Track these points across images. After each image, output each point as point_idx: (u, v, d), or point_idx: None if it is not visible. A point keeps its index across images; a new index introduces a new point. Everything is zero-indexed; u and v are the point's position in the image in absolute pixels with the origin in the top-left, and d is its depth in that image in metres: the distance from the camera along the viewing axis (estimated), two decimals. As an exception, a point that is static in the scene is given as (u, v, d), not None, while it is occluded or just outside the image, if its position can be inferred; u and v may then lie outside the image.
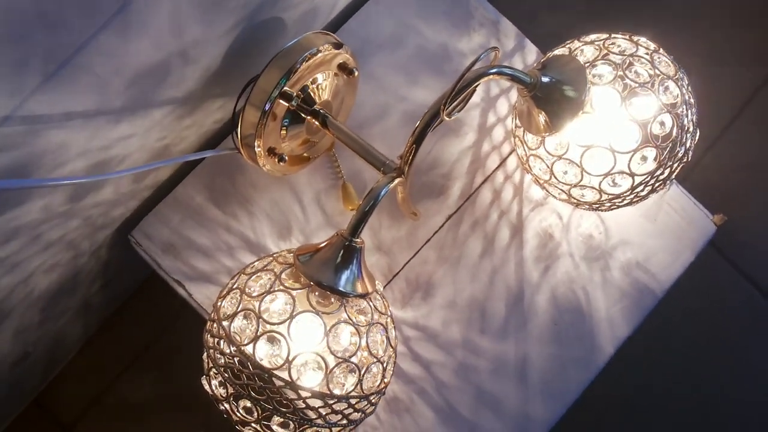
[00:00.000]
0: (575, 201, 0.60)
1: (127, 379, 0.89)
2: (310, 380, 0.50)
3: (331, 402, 0.50)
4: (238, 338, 0.50)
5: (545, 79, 0.54)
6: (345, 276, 0.52)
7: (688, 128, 0.55)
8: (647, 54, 0.55)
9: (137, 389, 0.89)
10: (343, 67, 0.59)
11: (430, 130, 0.53)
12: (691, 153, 0.58)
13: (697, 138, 0.59)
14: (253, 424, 0.51)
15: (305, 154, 0.64)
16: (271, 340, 0.50)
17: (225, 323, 0.51)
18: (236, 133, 0.57)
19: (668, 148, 0.55)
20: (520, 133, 0.60)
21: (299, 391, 0.49)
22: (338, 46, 0.57)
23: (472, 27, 0.70)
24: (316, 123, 0.58)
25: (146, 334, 0.89)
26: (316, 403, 0.49)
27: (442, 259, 0.68)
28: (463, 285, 0.67)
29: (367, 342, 0.52)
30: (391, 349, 0.55)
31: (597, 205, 0.59)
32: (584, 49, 0.56)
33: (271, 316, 0.50)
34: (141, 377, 0.89)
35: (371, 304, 0.53)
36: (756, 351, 1.07)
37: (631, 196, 0.58)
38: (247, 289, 0.52)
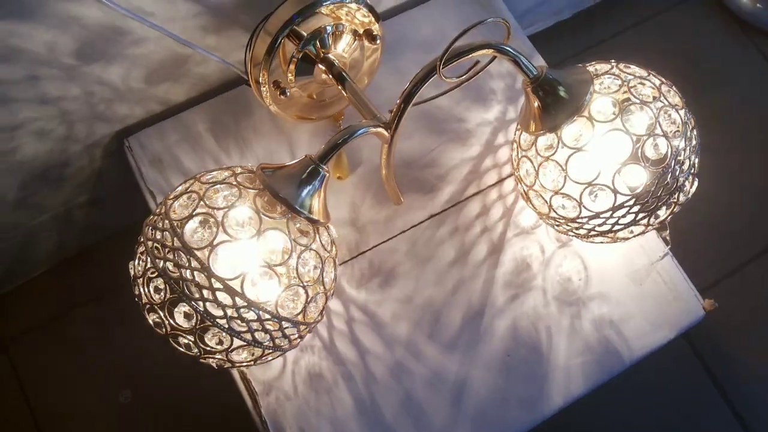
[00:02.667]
0: (554, 217, 0.58)
1: (78, 315, 0.87)
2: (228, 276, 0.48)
3: (240, 305, 0.47)
4: (174, 215, 0.49)
5: (550, 76, 0.55)
6: (301, 196, 0.51)
7: (683, 163, 0.54)
8: (657, 81, 0.55)
9: (84, 328, 0.87)
10: (367, 33, 0.61)
11: (422, 86, 0.53)
12: (684, 197, 0.56)
13: (694, 187, 0.57)
14: (158, 308, 0.49)
15: (312, 114, 0.66)
16: (204, 224, 0.49)
17: (169, 201, 0.51)
18: (248, 54, 0.59)
19: (659, 175, 0.53)
20: (517, 135, 0.59)
21: (211, 279, 0.47)
22: (369, 9, 0.60)
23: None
24: (323, 69, 0.60)
25: (113, 279, 0.88)
26: (226, 300, 0.47)
27: (412, 254, 0.65)
28: (425, 285, 0.64)
29: (297, 262, 0.50)
30: (323, 288, 0.52)
31: (576, 227, 0.57)
32: (597, 66, 0.57)
33: (212, 202, 0.49)
34: (91, 319, 0.87)
35: (317, 234, 0.52)
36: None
37: (612, 222, 0.55)
38: (200, 179, 0.52)
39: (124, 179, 0.71)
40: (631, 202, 0.54)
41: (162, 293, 0.49)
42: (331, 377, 0.61)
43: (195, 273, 0.47)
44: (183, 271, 0.47)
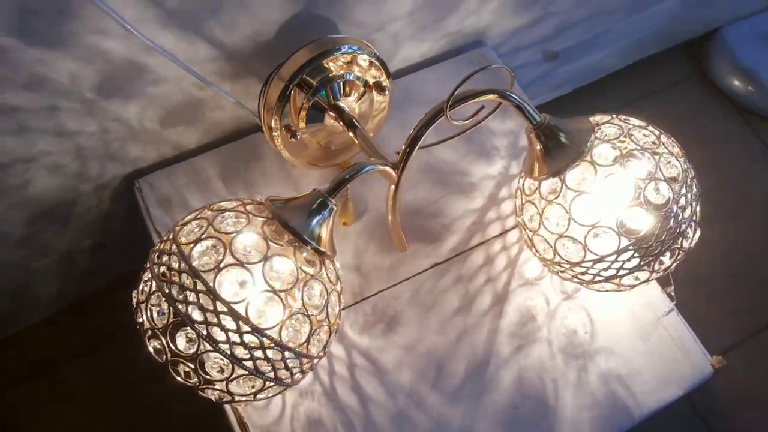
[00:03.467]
0: (559, 262, 0.58)
1: (74, 364, 0.85)
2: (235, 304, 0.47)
3: (244, 329, 0.46)
4: (182, 239, 0.49)
5: (552, 123, 0.56)
6: (310, 225, 0.51)
7: (685, 208, 0.54)
8: (657, 132, 0.56)
9: (78, 377, 0.84)
10: (377, 84, 0.64)
11: (429, 127, 0.55)
12: (687, 244, 0.56)
13: (697, 235, 0.57)
14: (160, 333, 0.48)
15: (321, 161, 0.67)
16: (213, 248, 0.49)
17: (177, 228, 0.51)
18: (262, 98, 0.61)
19: (662, 219, 0.54)
20: (521, 183, 0.60)
21: (216, 302, 0.46)
22: (380, 62, 0.63)
23: (507, 113, 0.75)
24: (333, 116, 0.62)
25: (110, 327, 0.86)
26: (229, 324, 0.46)
27: (416, 302, 0.65)
28: (429, 333, 0.63)
29: (303, 290, 0.49)
30: (327, 321, 0.52)
31: (580, 272, 0.57)
32: (598, 117, 0.58)
33: (220, 228, 0.49)
34: (86, 368, 0.85)
35: (323, 267, 0.52)
36: None
37: (617, 267, 0.55)
38: (210, 207, 0.52)
39: (130, 225, 0.72)
40: (634, 246, 0.54)
41: (165, 317, 0.48)
42: (331, 425, 0.59)
43: (200, 295, 0.47)
44: (188, 293, 0.47)
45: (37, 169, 0.62)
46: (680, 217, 0.54)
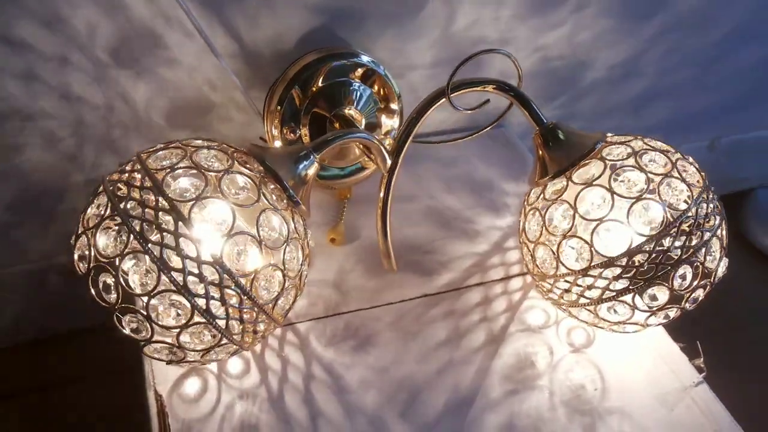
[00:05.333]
0: (563, 275, 0.50)
1: (14, 406, 0.74)
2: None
3: (203, 259, 0.40)
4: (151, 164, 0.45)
5: (560, 127, 0.53)
6: (287, 169, 0.47)
7: (708, 217, 0.48)
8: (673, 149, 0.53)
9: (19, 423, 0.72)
10: (386, 107, 0.63)
11: (429, 109, 0.53)
12: (711, 261, 0.49)
13: (723, 264, 0.50)
14: (109, 266, 0.42)
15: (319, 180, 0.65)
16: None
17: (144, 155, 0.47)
18: (266, 105, 0.61)
19: (680, 215, 0.47)
20: (526, 197, 0.56)
21: (178, 223, 0.40)
22: (390, 81, 0.63)
23: (521, 179, 0.72)
24: (336, 125, 0.60)
25: (64, 373, 0.76)
26: (190, 251, 0.40)
27: (397, 327, 0.56)
28: (406, 360, 0.54)
29: (284, 248, 0.44)
30: (298, 281, 0.45)
31: (589, 284, 0.49)
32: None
33: (199, 161, 0.45)
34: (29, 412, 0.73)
35: (293, 216, 0.46)
36: None
37: (629, 276, 0.48)
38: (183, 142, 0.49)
39: None
40: (650, 246, 0.47)
41: (118, 244, 0.42)
42: (268, 433, 0.48)
43: (160, 214, 0.41)
44: (147, 212, 0.41)
45: (32, 133, 0.61)
46: (702, 224, 0.48)
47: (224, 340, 0.43)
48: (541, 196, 0.53)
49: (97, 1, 0.54)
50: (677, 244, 0.47)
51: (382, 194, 0.55)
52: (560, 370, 0.55)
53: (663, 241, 0.47)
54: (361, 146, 0.58)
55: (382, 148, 0.53)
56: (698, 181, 0.49)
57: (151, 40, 0.58)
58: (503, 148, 0.77)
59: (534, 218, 0.53)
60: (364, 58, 0.62)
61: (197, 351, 0.44)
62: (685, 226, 0.48)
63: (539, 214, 0.52)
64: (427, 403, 0.51)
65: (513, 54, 0.54)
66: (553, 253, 0.51)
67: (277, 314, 0.46)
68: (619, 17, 0.74)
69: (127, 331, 0.43)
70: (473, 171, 0.73)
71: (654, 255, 0.47)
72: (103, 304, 0.42)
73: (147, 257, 0.40)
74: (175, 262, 0.40)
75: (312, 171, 0.49)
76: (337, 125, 0.61)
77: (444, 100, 0.53)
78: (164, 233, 0.40)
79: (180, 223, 0.40)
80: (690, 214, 0.47)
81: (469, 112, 0.54)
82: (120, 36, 0.57)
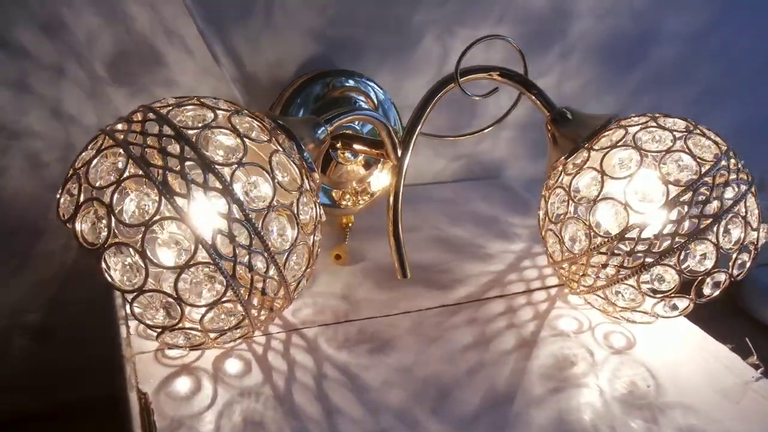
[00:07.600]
0: (597, 246, 0.46)
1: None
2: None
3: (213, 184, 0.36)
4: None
5: (571, 110, 0.52)
6: (299, 129, 0.44)
7: (742, 173, 0.46)
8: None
9: None
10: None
11: (438, 94, 0.52)
12: (753, 219, 0.45)
13: (764, 231, 0.47)
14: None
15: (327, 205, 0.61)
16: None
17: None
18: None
19: (717, 159, 0.45)
20: (545, 186, 0.53)
21: (199, 149, 0.37)
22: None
23: (527, 214, 0.69)
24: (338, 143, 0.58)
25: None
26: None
27: (416, 332, 0.50)
28: (431, 362, 0.47)
29: (298, 201, 0.40)
30: (308, 230, 0.41)
31: (626, 252, 0.45)
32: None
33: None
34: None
35: (300, 169, 0.43)
36: None
37: (671, 231, 0.44)
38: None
39: (95, 312, 0.60)
40: (687, 196, 0.44)
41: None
42: (276, 428, 0.39)
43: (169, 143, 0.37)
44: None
45: (16, 154, 0.57)
46: (736, 176, 0.45)
47: (239, 309, 0.38)
48: (562, 173, 0.50)
49: (100, 8, 0.54)
50: (715, 194, 0.44)
51: (394, 181, 0.51)
52: (605, 369, 0.48)
53: (701, 190, 0.44)
54: (366, 148, 0.56)
55: (392, 131, 0.51)
56: (721, 143, 0.48)
57: (150, 55, 0.58)
58: (504, 192, 0.75)
59: (557, 197, 0.50)
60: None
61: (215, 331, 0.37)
62: (719, 179, 0.45)
63: (563, 191, 0.49)
64: (460, 400, 0.43)
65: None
66: (585, 224, 0.47)
67: (290, 276, 0.40)
68: (603, 67, 0.77)
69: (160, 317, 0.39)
70: (476, 209, 0.70)
71: (696, 204, 0.44)
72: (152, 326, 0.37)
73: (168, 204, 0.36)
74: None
75: (324, 140, 0.46)
76: (339, 144, 0.59)
77: (454, 86, 0.52)
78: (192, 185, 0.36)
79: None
80: (723, 163, 0.45)
81: (478, 98, 0.53)
82: (119, 49, 0.56)
